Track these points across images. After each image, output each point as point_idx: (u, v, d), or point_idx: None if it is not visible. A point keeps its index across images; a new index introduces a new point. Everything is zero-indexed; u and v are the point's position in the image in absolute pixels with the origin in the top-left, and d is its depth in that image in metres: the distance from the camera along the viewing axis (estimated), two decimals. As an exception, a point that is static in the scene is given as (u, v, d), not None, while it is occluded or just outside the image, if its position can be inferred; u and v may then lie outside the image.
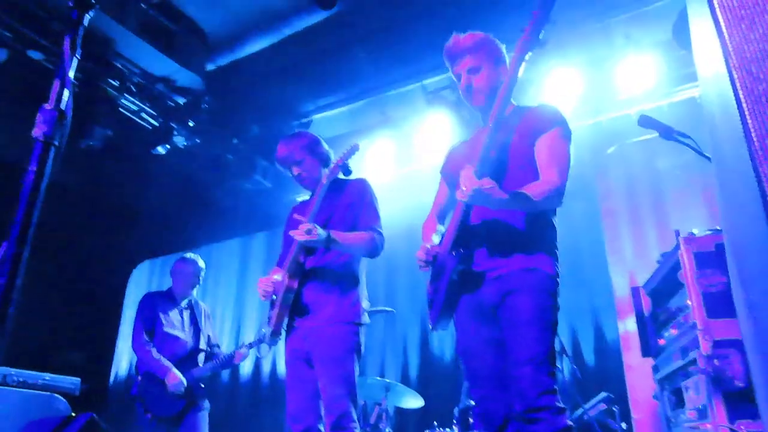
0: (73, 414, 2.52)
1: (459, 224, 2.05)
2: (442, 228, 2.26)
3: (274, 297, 2.72)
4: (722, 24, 0.91)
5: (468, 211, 2.06)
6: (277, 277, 2.73)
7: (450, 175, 2.38)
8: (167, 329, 4.08)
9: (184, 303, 4.27)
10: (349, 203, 2.82)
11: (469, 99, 2.24)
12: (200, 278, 4.35)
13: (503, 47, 2.28)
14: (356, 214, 2.80)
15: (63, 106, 1.26)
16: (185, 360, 4.02)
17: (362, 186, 2.90)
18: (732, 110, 0.89)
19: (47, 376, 4.55)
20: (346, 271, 2.74)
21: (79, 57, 1.37)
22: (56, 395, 4.43)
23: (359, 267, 2.83)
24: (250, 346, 4.03)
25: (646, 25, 5.24)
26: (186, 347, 4.09)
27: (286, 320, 2.69)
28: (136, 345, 4.02)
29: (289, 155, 2.88)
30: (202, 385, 4.03)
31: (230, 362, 4.06)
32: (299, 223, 2.60)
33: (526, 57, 1.96)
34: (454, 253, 2.05)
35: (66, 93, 1.27)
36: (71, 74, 1.33)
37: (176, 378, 3.85)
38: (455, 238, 2.06)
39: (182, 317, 4.20)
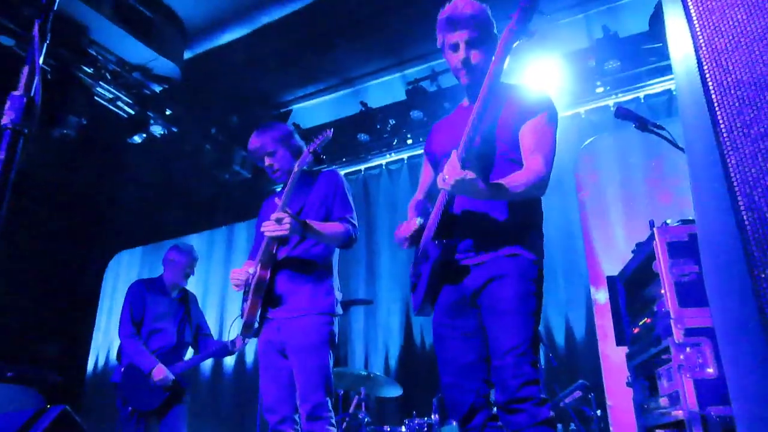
0: (48, 406, 2.48)
1: (441, 212, 2.01)
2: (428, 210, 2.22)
3: (247, 289, 2.70)
4: (693, 15, 0.92)
5: (451, 199, 2.02)
6: (251, 269, 2.71)
7: (433, 154, 2.31)
8: (155, 321, 3.96)
9: (174, 293, 4.14)
10: (321, 194, 2.81)
11: (461, 74, 2.11)
12: (194, 269, 4.20)
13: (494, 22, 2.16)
14: (329, 205, 2.79)
15: (32, 93, 1.23)
16: (170, 353, 3.91)
17: (334, 177, 2.89)
18: (702, 101, 0.90)
19: (21, 368, 4.50)
20: (319, 262, 2.73)
21: (49, 42, 1.33)
22: (30, 388, 4.39)
23: (332, 258, 2.82)
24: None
25: (625, 17, 5.30)
26: (173, 340, 3.97)
27: (259, 312, 2.68)
28: (123, 335, 3.90)
29: (261, 147, 2.86)
30: (184, 381, 3.96)
31: (231, 348, 3.91)
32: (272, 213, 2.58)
33: (513, 46, 1.87)
34: (436, 243, 2.02)
35: (36, 80, 1.24)
36: (41, 60, 1.30)
37: (162, 373, 3.74)
38: (438, 226, 2.02)
39: (171, 309, 4.07)
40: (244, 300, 2.72)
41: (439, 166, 2.19)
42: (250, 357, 6.56)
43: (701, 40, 0.91)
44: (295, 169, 2.64)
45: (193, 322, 4.16)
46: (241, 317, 2.72)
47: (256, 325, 2.69)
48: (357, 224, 2.80)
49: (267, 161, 2.86)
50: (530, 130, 2.04)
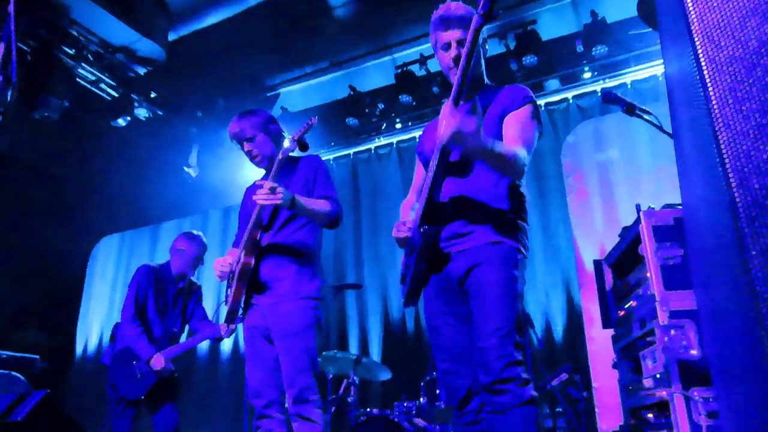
0: (31, 391, 2.46)
1: (426, 201, 2.03)
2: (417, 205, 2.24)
3: (231, 276, 2.69)
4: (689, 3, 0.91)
5: (435, 185, 2.04)
6: (233, 257, 2.70)
7: (424, 153, 2.35)
8: (156, 311, 3.88)
9: (179, 283, 4.00)
10: (303, 178, 2.81)
11: (452, 72, 2.14)
12: (203, 259, 4.00)
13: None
14: (310, 189, 2.79)
15: (9, 72, 1.20)
16: (158, 342, 3.88)
17: (315, 161, 2.89)
18: (693, 81, 0.89)
19: (5, 354, 4.46)
20: (302, 247, 2.73)
21: (29, 23, 1.30)
22: (14, 373, 4.36)
23: (315, 243, 2.82)
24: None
25: (613, 2, 5.28)
26: (165, 329, 3.90)
27: (243, 298, 2.67)
28: (126, 317, 3.79)
29: (240, 132, 2.84)
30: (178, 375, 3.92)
31: (217, 333, 3.79)
32: (258, 196, 2.55)
33: (482, 28, 1.88)
34: (421, 230, 2.04)
35: (12, 57, 1.21)
36: (21, 40, 1.26)
37: (161, 362, 3.68)
38: (422, 214, 2.05)
39: (172, 300, 3.97)
40: (228, 287, 2.71)
41: (429, 162, 2.21)
42: (242, 342, 6.56)
43: (693, 15, 0.90)
44: (279, 156, 2.62)
45: (187, 314, 4.09)
46: (225, 304, 2.71)
47: (241, 311, 2.68)
48: (340, 204, 2.79)
49: (246, 147, 2.85)
50: (513, 122, 2.08)
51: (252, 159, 2.88)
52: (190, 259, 3.92)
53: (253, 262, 2.65)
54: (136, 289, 3.82)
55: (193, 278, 4.10)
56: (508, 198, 2.09)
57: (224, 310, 2.78)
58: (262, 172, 2.93)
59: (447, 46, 2.13)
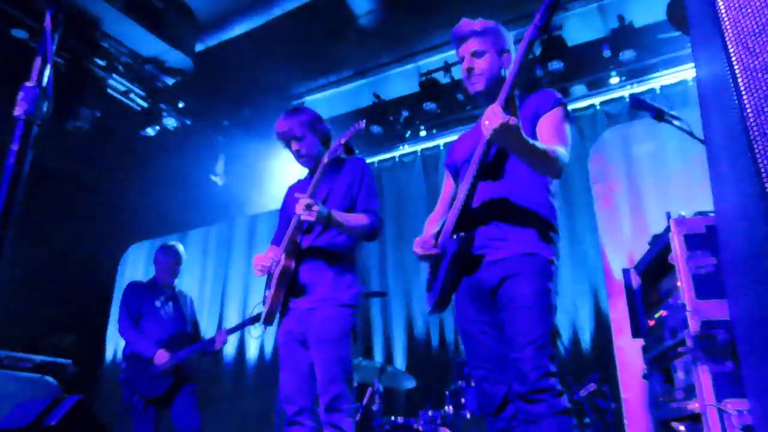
0: (64, 395, 2.51)
1: (461, 207, 2.06)
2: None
3: (270, 276, 2.70)
4: (722, 7, 0.89)
5: (471, 193, 2.06)
6: (273, 256, 2.71)
7: (453, 164, 2.37)
8: (152, 316, 4.11)
9: (168, 292, 4.30)
10: (347, 183, 2.77)
11: (468, 83, 2.22)
12: (180, 265, 4.35)
13: (510, 38, 2.27)
14: (354, 195, 2.75)
15: (45, 83, 1.23)
16: (170, 344, 4.00)
17: (361, 165, 2.84)
18: (726, 87, 0.88)
19: (38, 358, 4.56)
20: (342, 252, 2.71)
21: (62, 36, 1.33)
22: (47, 377, 4.44)
23: (355, 249, 2.80)
24: (230, 331, 4.05)
25: (640, 6, 5.22)
26: (171, 331, 4.10)
27: (281, 301, 2.67)
28: (122, 329, 4.06)
29: (288, 130, 2.82)
30: (191, 368, 4.02)
31: (211, 346, 4.01)
32: (297, 200, 2.55)
33: (535, 40, 1.93)
34: (455, 237, 2.06)
35: (48, 70, 1.24)
36: (55, 53, 1.29)
37: (165, 356, 3.86)
38: (456, 221, 2.07)
39: (166, 305, 4.23)
40: (267, 287, 2.71)
41: (459, 173, 2.23)
42: (269, 348, 6.60)
43: (727, 22, 0.88)
44: (325, 159, 2.59)
45: (189, 317, 4.29)
46: (263, 304, 2.70)
47: (278, 314, 2.68)
48: (381, 216, 2.78)
49: (294, 146, 2.83)
50: (547, 123, 2.10)
51: (299, 158, 2.86)
52: (166, 268, 4.29)
53: (293, 265, 2.64)
54: (125, 305, 4.14)
55: (181, 289, 4.40)
56: (542, 206, 2.10)
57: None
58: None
59: (462, 60, 2.22)
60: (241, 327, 4.11)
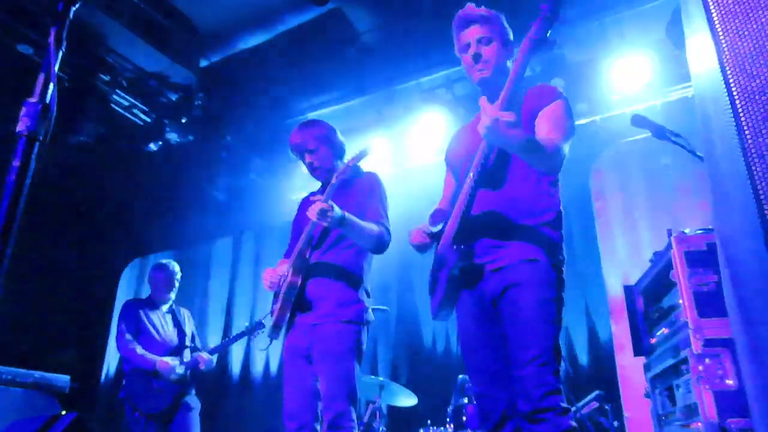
0: (62, 413, 2.49)
1: (461, 216, 2.01)
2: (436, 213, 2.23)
3: (278, 291, 2.69)
4: (715, 20, 0.89)
5: (470, 202, 2.01)
6: (283, 270, 2.70)
7: (452, 163, 2.35)
8: (151, 332, 4.13)
9: (165, 308, 4.34)
10: (358, 196, 2.77)
11: (474, 70, 2.16)
12: (176, 282, 4.38)
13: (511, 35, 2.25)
14: (364, 208, 2.74)
15: (47, 99, 1.24)
16: (172, 356, 4.02)
17: (372, 180, 2.84)
18: (725, 108, 0.88)
19: (37, 374, 4.53)
20: (349, 268, 2.71)
21: (65, 50, 1.34)
22: (46, 393, 4.42)
23: (363, 264, 2.79)
24: (213, 351, 4.15)
25: (641, 24, 5.25)
26: (171, 345, 4.14)
27: (287, 315, 2.66)
28: (121, 346, 4.06)
29: (302, 143, 2.82)
30: (193, 385, 4.02)
31: (196, 365, 4.05)
32: (311, 212, 2.54)
33: (532, 56, 1.91)
34: (455, 248, 2.01)
35: (51, 86, 1.25)
36: (57, 68, 1.30)
37: (167, 364, 3.88)
38: (457, 230, 2.02)
39: (164, 320, 4.27)
40: (274, 301, 2.71)
41: (458, 171, 2.21)
42: (274, 365, 6.57)
43: (724, 45, 0.88)
44: (334, 180, 2.58)
45: (186, 331, 4.32)
46: (271, 316, 2.70)
47: (284, 327, 2.68)
48: (390, 232, 2.77)
49: (308, 158, 2.83)
50: (546, 116, 2.07)
51: (312, 171, 2.86)
52: (161, 284, 4.33)
53: (299, 281, 2.64)
54: (123, 322, 4.16)
55: (175, 301, 4.43)
56: (544, 210, 2.06)
57: (267, 321, 2.78)
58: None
59: (467, 46, 2.17)
60: (225, 346, 4.15)
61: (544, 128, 2.03)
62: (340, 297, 2.64)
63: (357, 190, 2.81)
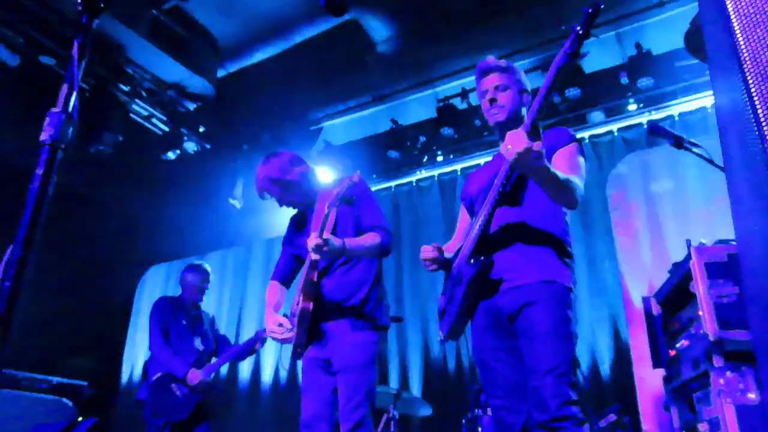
0: (80, 418, 2.51)
1: (479, 234, 2.07)
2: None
3: (291, 316, 2.70)
4: (737, 29, 0.89)
5: (489, 220, 2.07)
6: (282, 322, 2.69)
7: (469, 200, 2.40)
8: (179, 335, 4.13)
9: (193, 311, 4.32)
10: (349, 206, 2.76)
11: (490, 113, 2.27)
12: (208, 284, 4.37)
13: (527, 81, 2.36)
14: (358, 215, 2.75)
15: (71, 110, 1.26)
16: (197, 363, 4.03)
17: (359, 187, 2.70)
18: (746, 117, 0.87)
19: (55, 380, 4.58)
20: (360, 278, 2.71)
21: (87, 62, 1.37)
22: (64, 399, 4.46)
23: (375, 270, 2.79)
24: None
25: (658, 33, 5.22)
26: (197, 352, 4.13)
27: (305, 340, 2.66)
28: (155, 346, 4.04)
29: (261, 189, 2.83)
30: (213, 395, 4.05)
31: (246, 351, 4.06)
32: (301, 234, 2.56)
33: (563, 67, 1.94)
34: (472, 261, 2.06)
35: (74, 97, 1.27)
36: (80, 78, 1.32)
37: (198, 377, 3.88)
38: (474, 246, 2.07)
39: (192, 324, 4.25)
40: (291, 323, 2.70)
41: (474, 205, 2.24)
42: (284, 373, 6.57)
43: (746, 54, 0.88)
44: (326, 210, 2.51)
45: (213, 336, 4.32)
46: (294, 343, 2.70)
47: (305, 346, 2.67)
48: (390, 229, 2.76)
49: (275, 198, 2.85)
50: (562, 156, 2.15)
51: (288, 206, 2.90)
52: (194, 287, 4.30)
53: (311, 306, 2.61)
54: (157, 321, 4.11)
55: (204, 309, 4.43)
56: (559, 234, 2.12)
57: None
58: None
59: (485, 93, 2.29)
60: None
61: (562, 166, 2.09)
62: (357, 308, 2.65)
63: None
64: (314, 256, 2.48)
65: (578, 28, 1.89)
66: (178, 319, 4.18)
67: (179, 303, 4.30)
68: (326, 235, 2.47)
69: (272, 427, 6.24)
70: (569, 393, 1.86)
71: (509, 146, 1.82)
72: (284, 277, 3.01)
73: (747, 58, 0.87)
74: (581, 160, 2.16)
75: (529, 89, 2.33)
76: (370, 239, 2.66)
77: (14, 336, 1.12)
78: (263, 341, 4.04)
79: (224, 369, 4.27)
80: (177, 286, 4.49)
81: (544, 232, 2.09)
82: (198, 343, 4.18)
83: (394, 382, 5.87)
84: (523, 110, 2.28)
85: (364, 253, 2.65)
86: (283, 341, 2.71)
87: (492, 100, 2.25)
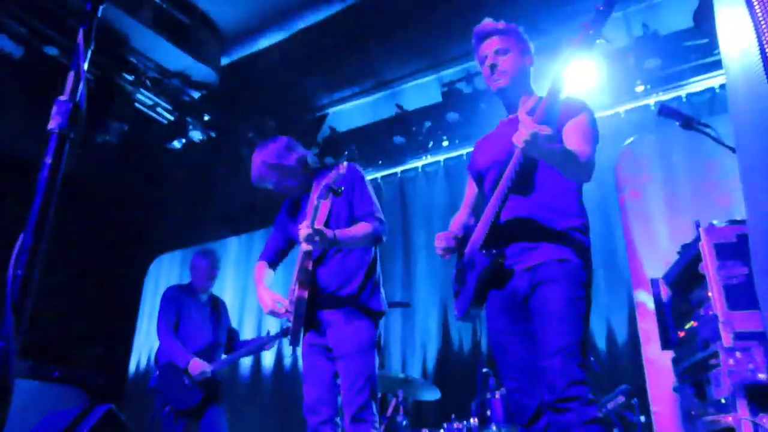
0: (94, 405, 2.54)
1: (490, 222, 2.05)
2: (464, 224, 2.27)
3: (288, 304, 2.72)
4: (755, 3, 0.87)
5: (501, 207, 2.04)
6: (280, 300, 2.72)
7: (476, 169, 2.37)
8: (189, 323, 4.12)
9: (204, 297, 4.31)
10: (344, 194, 2.76)
11: (492, 80, 2.21)
12: (218, 270, 4.37)
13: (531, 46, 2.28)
14: (351, 203, 2.75)
15: (78, 98, 1.25)
16: (204, 354, 4.03)
17: (352, 173, 2.75)
18: (761, 94, 0.86)
19: (66, 368, 4.64)
20: (355, 266, 2.72)
21: (93, 49, 1.36)
22: (75, 387, 4.52)
23: (371, 257, 2.80)
24: (222, 364, 4.11)
25: (665, 13, 5.16)
26: (206, 341, 4.11)
27: (301, 328, 2.67)
28: (161, 334, 4.05)
29: (259, 178, 2.83)
30: (220, 380, 4.06)
31: (261, 348, 4.10)
32: (295, 220, 2.57)
33: (585, 47, 1.89)
34: (484, 252, 2.05)
35: (81, 85, 1.27)
36: (86, 67, 1.32)
37: (199, 367, 3.87)
38: (486, 236, 2.06)
39: (203, 312, 4.23)
40: (288, 311, 2.72)
41: (483, 178, 2.22)
42: (287, 359, 6.60)
43: (763, 27, 0.86)
44: (315, 202, 2.54)
45: (224, 325, 4.27)
46: (289, 335, 2.71)
47: (302, 334, 2.69)
48: (383, 217, 2.76)
49: (271, 186, 2.85)
50: (573, 128, 2.09)
51: (278, 192, 2.89)
52: (203, 272, 4.27)
53: (306, 294, 2.62)
54: (165, 310, 4.12)
55: (224, 291, 4.33)
56: (574, 214, 2.10)
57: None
58: None
59: (485, 58, 2.21)
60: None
61: (573, 139, 2.05)
62: (354, 294, 2.67)
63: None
64: (306, 247, 2.49)
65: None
66: (189, 306, 4.17)
67: (190, 290, 4.28)
68: (317, 226, 2.47)
69: (276, 413, 6.28)
70: (577, 373, 1.85)
71: (518, 136, 1.81)
72: (272, 258, 3.02)
73: (765, 31, 0.85)
74: (592, 129, 2.11)
75: (532, 50, 2.25)
76: (363, 229, 2.66)
77: (27, 325, 1.13)
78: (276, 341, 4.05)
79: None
80: (184, 276, 4.50)
81: (557, 215, 2.06)
82: (208, 332, 4.16)
83: (402, 367, 5.90)
84: (527, 72, 2.22)
85: (356, 243, 2.66)
86: (272, 312, 2.73)
87: (493, 66, 2.18)
